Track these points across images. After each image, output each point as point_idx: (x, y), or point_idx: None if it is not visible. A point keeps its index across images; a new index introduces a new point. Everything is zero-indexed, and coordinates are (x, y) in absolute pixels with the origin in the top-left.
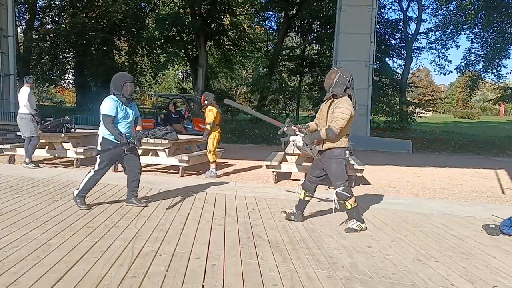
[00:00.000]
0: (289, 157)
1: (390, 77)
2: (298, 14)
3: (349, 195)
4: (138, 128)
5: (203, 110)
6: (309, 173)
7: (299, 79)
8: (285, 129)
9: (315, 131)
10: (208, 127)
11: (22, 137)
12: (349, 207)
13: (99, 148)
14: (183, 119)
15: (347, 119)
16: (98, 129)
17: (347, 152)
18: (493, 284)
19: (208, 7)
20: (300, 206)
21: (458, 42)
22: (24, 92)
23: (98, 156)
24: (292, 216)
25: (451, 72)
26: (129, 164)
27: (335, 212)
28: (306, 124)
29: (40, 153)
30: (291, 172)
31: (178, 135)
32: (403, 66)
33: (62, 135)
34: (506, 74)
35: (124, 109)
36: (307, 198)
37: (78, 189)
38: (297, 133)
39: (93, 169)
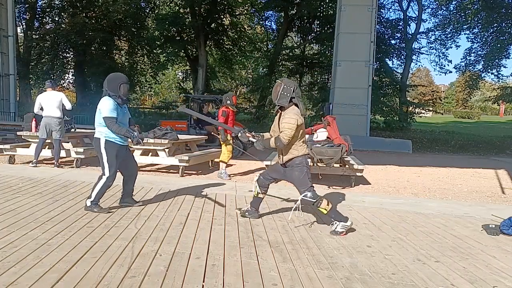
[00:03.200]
0: None
1: (390, 77)
2: (298, 14)
3: (315, 200)
4: (132, 127)
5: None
6: (267, 171)
7: (299, 79)
8: (239, 135)
9: (267, 139)
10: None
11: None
12: (324, 212)
13: (103, 150)
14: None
15: (294, 128)
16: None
17: (308, 160)
18: (493, 284)
19: (208, 7)
20: (255, 203)
21: (458, 42)
22: (58, 96)
23: (105, 161)
24: (247, 213)
25: (451, 72)
26: (130, 167)
27: (292, 213)
28: (261, 134)
29: (42, 153)
30: None
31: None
32: (403, 66)
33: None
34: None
35: (120, 111)
36: (260, 196)
37: (90, 198)
38: (250, 139)
39: (104, 175)
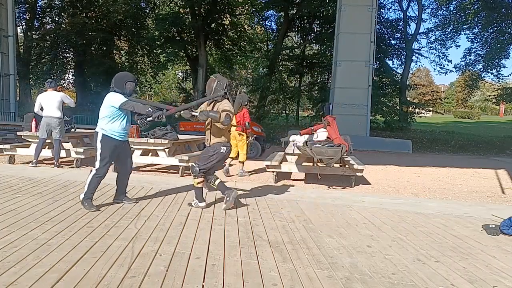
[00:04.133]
0: (289, 157)
1: (390, 77)
2: (298, 14)
3: (197, 175)
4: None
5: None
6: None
7: (299, 79)
8: (181, 112)
9: (215, 112)
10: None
11: (41, 138)
12: (195, 184)
13: (98, 144)
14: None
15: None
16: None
17: (224, 147)
18: (493, 284)
19: (208, 7)
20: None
21: (458, 42)
22: (58, 96)
23: (98, 154)
24: (193, 204)
25: (451, 71)
26: (127, 164)
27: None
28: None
29: (41, 153)
30: (291, 172)
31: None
32: (403, 66)
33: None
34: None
35: None
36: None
37: (83, 192)
38: (192, 112)
39: (94, 168)
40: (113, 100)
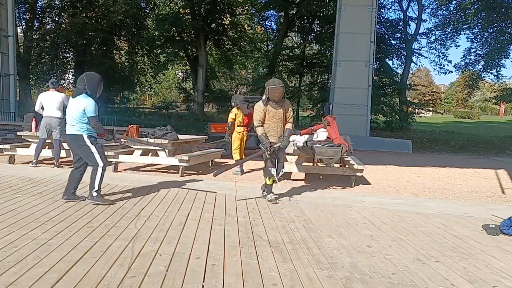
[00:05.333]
0: (289, 157)
1: (390, 77)
2: (298, 14)
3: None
4: None
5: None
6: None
7: (299, 79)
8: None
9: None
10: (226, 128)
11: (41, 138)
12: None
13: (89, 144)
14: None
15: None
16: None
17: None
18: (493, 284)
19: (208, 7)
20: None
21: (458, 42)
22: (59, 97)
23: (95, 152)
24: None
25: (451, 72)
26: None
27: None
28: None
29: (42, 153)
30: (291, 172)
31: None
32: (403, 66)
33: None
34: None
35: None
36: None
37: (94, 189)
38: (278, 145)
39: (99, 166)
40: (89, 109)
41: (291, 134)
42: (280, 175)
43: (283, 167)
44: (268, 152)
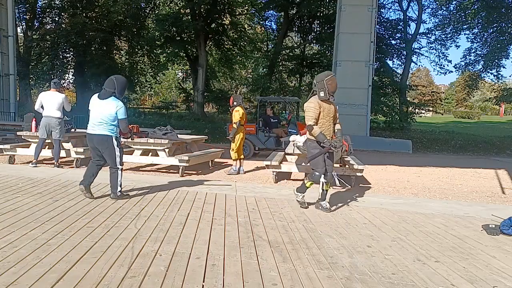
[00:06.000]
0: (289, 157)
1: (390, 77)
2: (298, 14)
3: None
4: None
5: (231, 110)
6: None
7: (299, 79)
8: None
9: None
10: (235, 126)
11: (41, 138)
12: (326, 188)
13: (116, 147)
14: (287, 123)
15: None
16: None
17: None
18: (493, 284)
19: (208, 7)
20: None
21: (458, 42)
22: (60, 97)
23: (118, 155)
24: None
25: (451, 72)
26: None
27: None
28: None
29: (41, 153)
30: (291, 172)
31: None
32: (403, 66)
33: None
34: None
35: None
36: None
37: (117, 188)
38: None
39: (118, 168)
40: (121, 111)
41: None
42: (330, 182)
43: (335, 177)
44: (334, 150)
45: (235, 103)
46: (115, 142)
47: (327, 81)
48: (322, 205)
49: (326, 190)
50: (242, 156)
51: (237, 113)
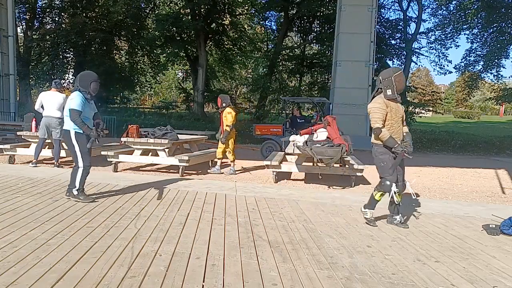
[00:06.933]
0: (289, 157)
1: None
2: (298, 14)
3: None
4: (97, 120)
5: (220, 111)
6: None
7: (299, 79)
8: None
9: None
10: (227, 129)
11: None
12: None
13: (74, 142)
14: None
15: None
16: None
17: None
18: (493, 284)
19: (208, 7)
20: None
21: (457, 42)
22: (60, 98)
23: (78, 151)
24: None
25: (451, 72)
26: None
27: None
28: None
29: (41, 153)
30: (291, 172)
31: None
32: (403, 66)
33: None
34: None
35: (88, 106)
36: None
37: (75, 187)
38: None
39: (80, 167)
40: (71, 102)
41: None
42: (402, 191)
43: (405, 185)
44: (408, 156)
45: (223, 104)
46: (73, 137)
47: (395, 78)
48: (396, 220)
49: (399, 202)
50: (224, 158)
51: (230, 115)
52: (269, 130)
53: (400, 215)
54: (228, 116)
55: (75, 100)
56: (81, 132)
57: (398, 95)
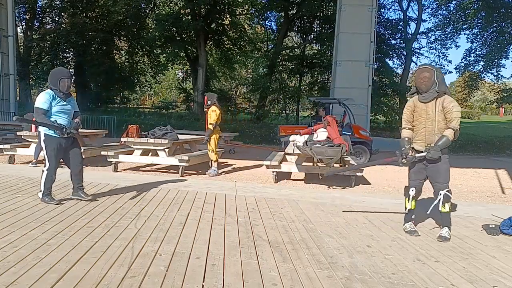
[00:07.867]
0: (289, 157)
1: (390, 77)
2: (298, 14)
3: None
4: (76, 119)
5: (206, 110)
6: (414, 177)
7: (299, 79)
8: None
9: (444, 138)
10: (210, 127)
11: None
12: (446, 210)
13: (43, 144)
14: (341, 125)
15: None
16: (96, 130)
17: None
18: (493, 284)
19: (208, 7)
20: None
21: (457, 42)
22: None
23: (45, 154)
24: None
25: (451, 72)
26: (73, 160)
27: (432, 207)
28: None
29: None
30: (291, 172)
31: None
32: (403, 66)
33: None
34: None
35: (61, 104)
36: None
37: (41, 191)
38: (418, 156)
39: (45, 167)
40: (37, 100)
41: (447, 144)
42: (416, 197)
43: (442, 196)
44: (404, 162)
45: (209, 102)
46: (42, 138)
47: (415, 74)
48: (405, 227)
49: (411, 209)
50: (219, 157)
51: (214, 113)
52: (293, 131)
53: (410, 223)
54: (212, 114)
55: (39, 98)
56: (50, 135)
57: (422, 93)
